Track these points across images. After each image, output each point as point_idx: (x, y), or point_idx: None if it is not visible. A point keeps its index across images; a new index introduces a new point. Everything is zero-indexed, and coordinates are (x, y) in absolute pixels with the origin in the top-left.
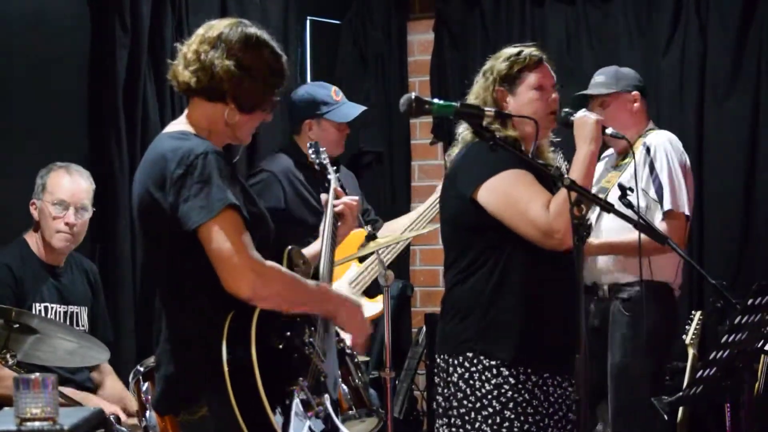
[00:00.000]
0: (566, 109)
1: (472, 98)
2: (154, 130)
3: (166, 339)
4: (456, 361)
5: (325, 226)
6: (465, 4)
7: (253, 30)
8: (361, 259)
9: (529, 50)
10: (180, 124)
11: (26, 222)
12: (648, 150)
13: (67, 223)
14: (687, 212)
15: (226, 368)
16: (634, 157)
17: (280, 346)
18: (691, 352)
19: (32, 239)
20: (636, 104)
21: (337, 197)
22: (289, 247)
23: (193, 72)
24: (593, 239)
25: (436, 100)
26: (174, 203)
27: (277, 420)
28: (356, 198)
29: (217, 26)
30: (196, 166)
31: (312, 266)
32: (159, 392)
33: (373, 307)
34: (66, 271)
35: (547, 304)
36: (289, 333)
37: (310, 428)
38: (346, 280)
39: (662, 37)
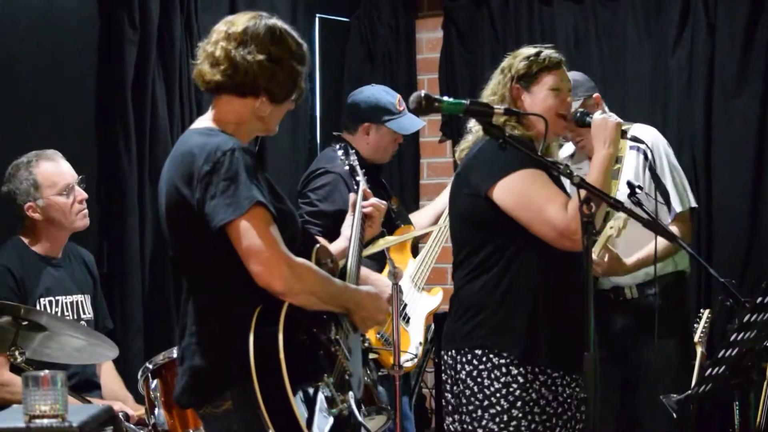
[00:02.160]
0: (581, 109)
1: (488, 93)
2: (163, 126)
3: (192, 333)
4: (464, 359)
5: (353, 226)
6: (473, 2)
7: (273, 21)
8: (414, 254)
9: (549, 52)
10: (207, 121)
11: None
12: (645, 154)
13: (80, 201)
14: (694, 204)
15: (252, 363)
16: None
17: (307, 343)
18: (699, 350)
19: (27, 236)
20: (599, 109)
21: (365, 198)
22: (317, 245)
23: (224, 71)
24: (624, 258)
25: (445, 98)
26: (201, 200)
27: (301, 415)
28: (384, 201)
29: (239, 21)
30: (223, 163)
31: (339, 265)
32: (183, 385)
33: (432, 300)
34: (65, 262)
35: (558, 303)
36: (315, 330)
37: (333, 424)
38: (407, 276)
39: (670, 35)
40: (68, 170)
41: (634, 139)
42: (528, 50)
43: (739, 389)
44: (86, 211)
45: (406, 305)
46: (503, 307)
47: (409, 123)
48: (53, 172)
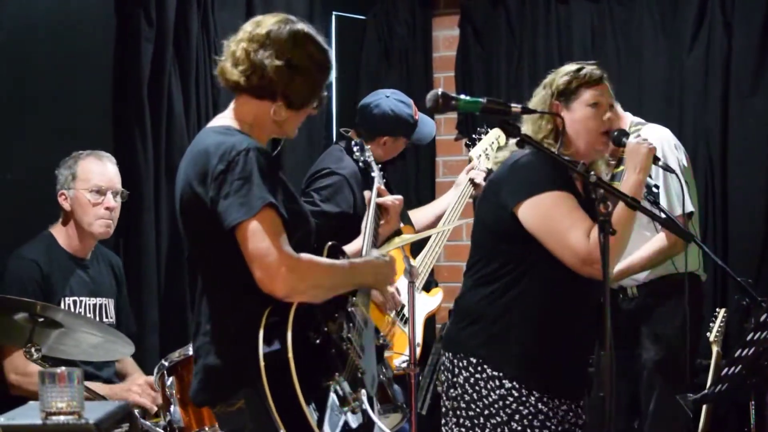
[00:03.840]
0: (620, 129)
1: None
2: (179, 124)
3: (206, 332)
4: (461, 363)
5: (367, 223)
6: (489, 0)
7: (299, 26)
8: (414, 254)
9: (590, 68)
10: (225, 119)
11: (51, 214)
12: None
13: (107, 208)
14: (686, 211)
15: (262, 363)
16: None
17: (317, 341)
18: (715, 349)
19: (59, 232)
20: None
21: (380, 195)
22: (329, 243)
23: (243, 71)
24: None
25: (462, 96)
26: (214, 198)
27: (312, 414)
28: (400, 197)
29: (265, 23)
30: (238, 163)
31: None
32: (197, 383)
33: (432, 301)
34: (93, 263)
35: (560, 325)
36: (326, 328)
37: (345, 423)
38: (404, 275)
39: (687, 34)
40: (108, 174)
41: (666, 167)
42: (570, 66)
43: (756, 389)
44: (111, 222)
45: (404, 306)
46: (500, 321)
47: (428, 130)
48: (91, 170)
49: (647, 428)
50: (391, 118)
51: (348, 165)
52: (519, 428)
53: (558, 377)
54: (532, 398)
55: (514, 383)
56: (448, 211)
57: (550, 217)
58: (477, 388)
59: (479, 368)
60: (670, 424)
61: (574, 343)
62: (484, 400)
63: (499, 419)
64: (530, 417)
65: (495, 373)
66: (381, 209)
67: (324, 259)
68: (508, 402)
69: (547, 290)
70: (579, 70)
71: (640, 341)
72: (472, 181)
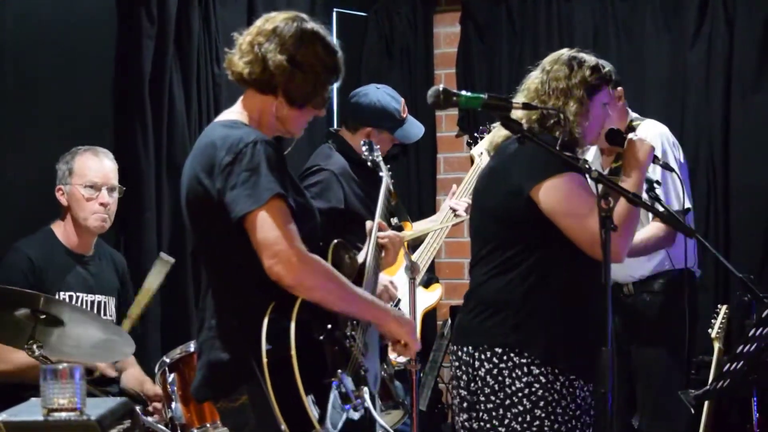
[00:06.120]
0: (614, 128)
1: (553, 86)
2: (180, 121)
3: (210, 327)
4: (483, 356)
5: (367, 254)
6: None
7: (309, 25)
8: (413, 249)
9: (610, 67)
10: (233, 113)
11: (53, 211)
12: None
13: (102, 204)
14: (684, 207)
15: (264, 359)
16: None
17: (321, 338)
18: (716, 346)
19: (59, 228)
20: (621, 102)
21: (380, 230)
22: (335, 240)
23: (247, 63)
24: None
25: (464, 92)
26: (221, 190)
27: (313, 411)
28: (400, 234)
29: (274, 19)
30: (245, 155)
31: (357, 262)
32: (200, 379)
33: (430, 296)
34: (94, 260)
35: (582, 307)
36: (329, 326)
37: (347, 420)
38: (403, 272)
39: (689, 30)
40: (104, 170)
41: (666, 166)
42: (591, 59)
43: (758, 385)
44: (106, 216)
45: (400, 300)
46: (526, 306)
47: (414, 131)
48: (87, 166)
49: (647, 425)
50: (377, 109)
51: (337, 161)
52: (543, 415)
53: (588, 358)
54: (558, 383)
55: (543, 369)
56: (432, 232)
57: (570, 198)
58: (500, 378)
59: (504, 357)
60: (670, 421)
61: (597, 321)
62: (507, 389)
63: (521, 408)
64: (554, 403)
65: (523, 360)
66: (379, 245)
67: (336, 271)
68: (534, 389)
69: (568, 272)
70: (599, 67)
71: (637, 338)
72: (454, 211)
